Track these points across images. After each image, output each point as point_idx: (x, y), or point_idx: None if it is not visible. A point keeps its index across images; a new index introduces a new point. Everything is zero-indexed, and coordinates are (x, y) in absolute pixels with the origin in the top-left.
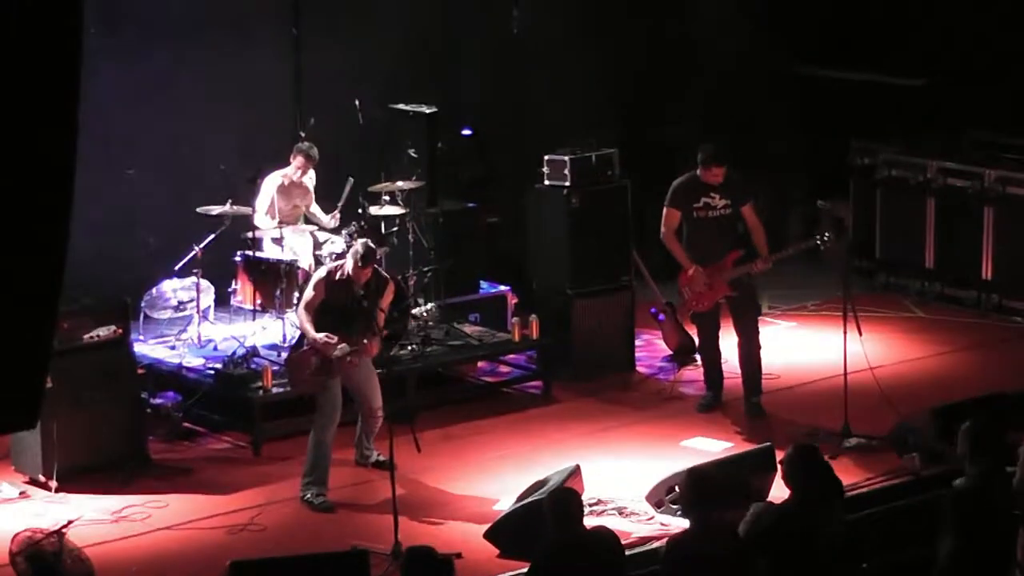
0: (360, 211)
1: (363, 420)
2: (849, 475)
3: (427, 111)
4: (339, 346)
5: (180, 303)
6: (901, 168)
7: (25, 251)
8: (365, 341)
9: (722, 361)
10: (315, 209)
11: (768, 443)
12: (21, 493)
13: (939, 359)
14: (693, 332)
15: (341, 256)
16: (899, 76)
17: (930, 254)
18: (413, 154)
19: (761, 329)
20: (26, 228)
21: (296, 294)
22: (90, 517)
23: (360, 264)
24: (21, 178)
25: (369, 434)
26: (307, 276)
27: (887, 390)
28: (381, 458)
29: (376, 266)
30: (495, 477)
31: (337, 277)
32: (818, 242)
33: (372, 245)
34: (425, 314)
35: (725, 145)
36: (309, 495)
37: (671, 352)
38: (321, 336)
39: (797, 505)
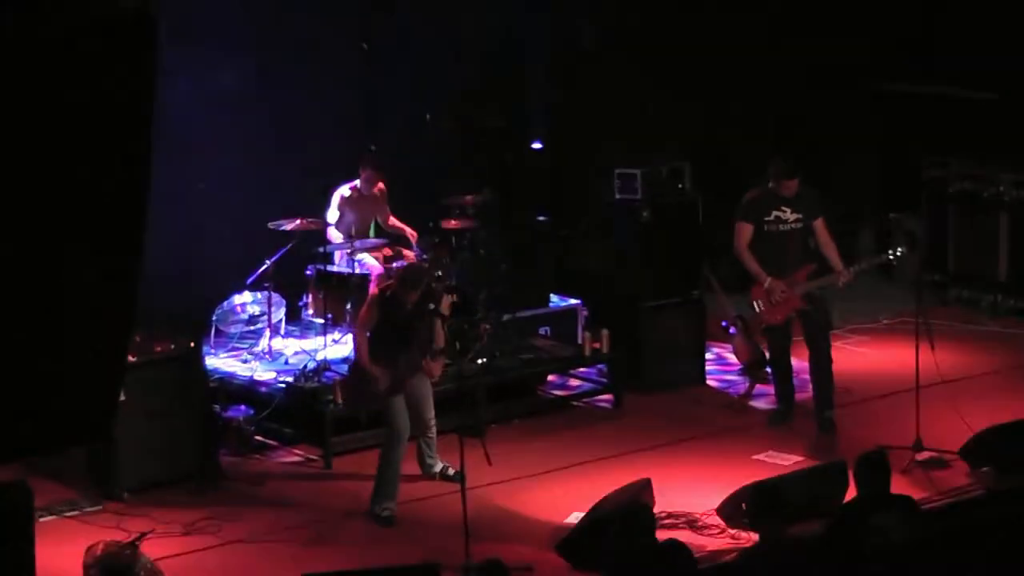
0: (431, 224)
1: (418, 432)
2: (921, 489)
3: (498, 125)
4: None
5: (252, 317)
6: (974, 182)
7: (100, 267)
8: (425, 361)
9: (793, 375)
10: (395, 221)
11: (840, 457)
12: (95, 505)
13: (1013, 373)
14: (764, 346)
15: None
16: (972, 90)
17: (1003, 267)
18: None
19: (833, 343)
20: (101, 244)
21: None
22: (163, 529)
23: (401, 288)
24: (97, 195)
25: (429, 444)
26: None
27: (960, 404)
28: (450, 471)
29: (431, 284)
30: (566, 490)
31: (388, 295)
32: (890, 256)
33: (416, 270)
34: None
35: (797, 159)
36: (376, 509)
37: (742, 365)
38: (378, 371)
39: (855, 503)
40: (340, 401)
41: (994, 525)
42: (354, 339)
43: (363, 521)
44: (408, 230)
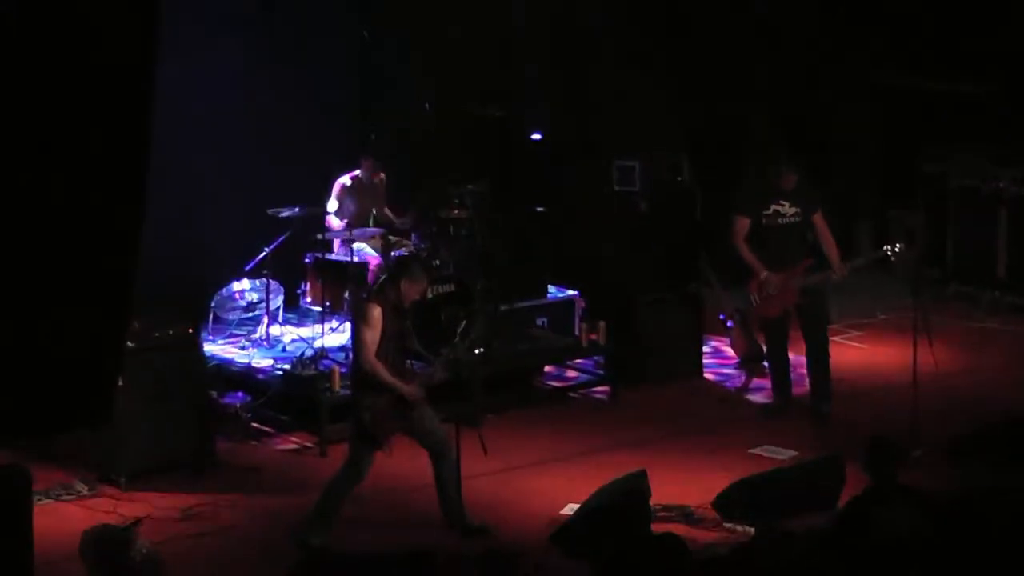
0: (429, 214)
1: (436, 461)
2: (916, 484)
3: (497, 114)
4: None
5: (250, 304)
6: (973, 177)
7: (98, 252)
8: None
9: (790, 368)
10: (387, 212)
11: (836, 451)
12: (92, 490)
13: (1009, 369)
14: (761, 339)
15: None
16: (972, 84)
17: (1002, 263)
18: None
19: (830, 337)
20: (99, 230)
21: (366, 293)
22: (159, 514)
23: (411, 286)
24: (95, 181)
25: (449, 483)
26: (376, 278)
27: (956, 399)
28: (478, 524)
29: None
30: (561, 481)
31: (392, 301)
32: (889, 253)
33: (412, 260)
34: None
35: (796, 153)
36: (307, 536)
37: (739, 358)
38: (409, 388)
39: (865, 495)
40: (381, 439)
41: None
42: (367, 365)
43: (358, 507)
44: (396, 221)
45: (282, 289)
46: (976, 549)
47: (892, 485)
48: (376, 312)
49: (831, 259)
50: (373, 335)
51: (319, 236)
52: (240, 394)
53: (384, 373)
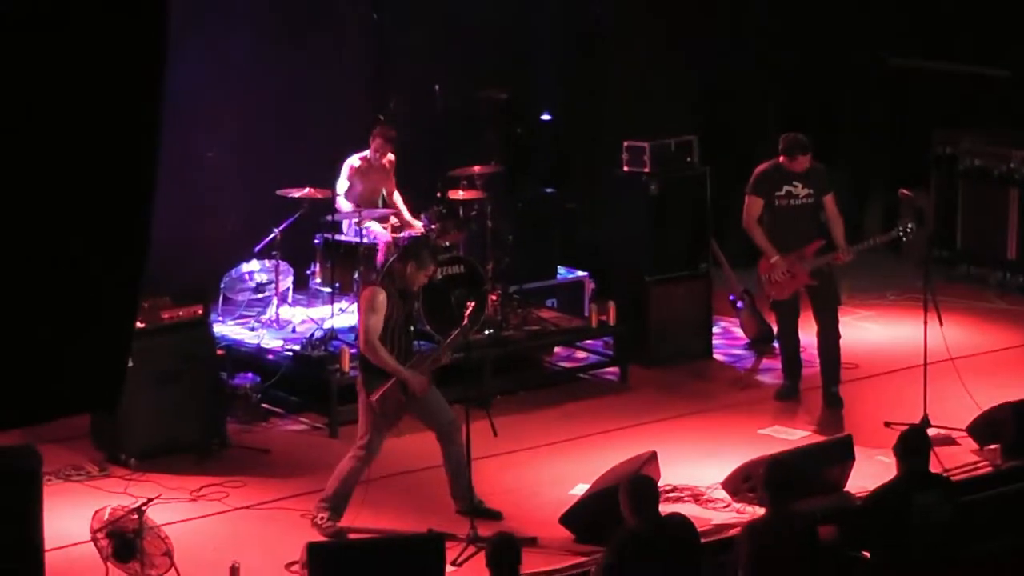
0: (438, 195)
1: (444, 443)
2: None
3: (506, 96)
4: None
5: (259, 285)
6: (984, 158)
7: (108, 233)
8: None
9: (800, 350)
10: (397, 198)
11: (846, 433)
12: (102, 471)
13: (1020, 350)
14: (771, 320)
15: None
16: (983, 66)
17: (1012, 245)
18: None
19: (840, 318)
20: (108, 210)
21: (374, 276)
22: (169, 495)
23: (418, 269)
24: (104, 160)
25: (458, 465)
26: (386, 259)
27: (967, 381)
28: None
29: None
30: (571, 462)
31: (398, 285)
32: (900, 234)
33: (422, 243)
34: None
35: (808, 134)
36: (319, 519)
37: (749, 340)
38: (412, 375)
39: (899, 482)
40: (390, 421)
41: (1000, 503)
42: (368, 349)
43: (369, 490)
44: (404, 216)
45: (291, 270)
46: (998, 531)
47: (924, 472)
48: (381, 297)
49: (837, 240)
50: (377, 320)
51: (328, 217)
52: (250, 375)
53: (386, 356)
